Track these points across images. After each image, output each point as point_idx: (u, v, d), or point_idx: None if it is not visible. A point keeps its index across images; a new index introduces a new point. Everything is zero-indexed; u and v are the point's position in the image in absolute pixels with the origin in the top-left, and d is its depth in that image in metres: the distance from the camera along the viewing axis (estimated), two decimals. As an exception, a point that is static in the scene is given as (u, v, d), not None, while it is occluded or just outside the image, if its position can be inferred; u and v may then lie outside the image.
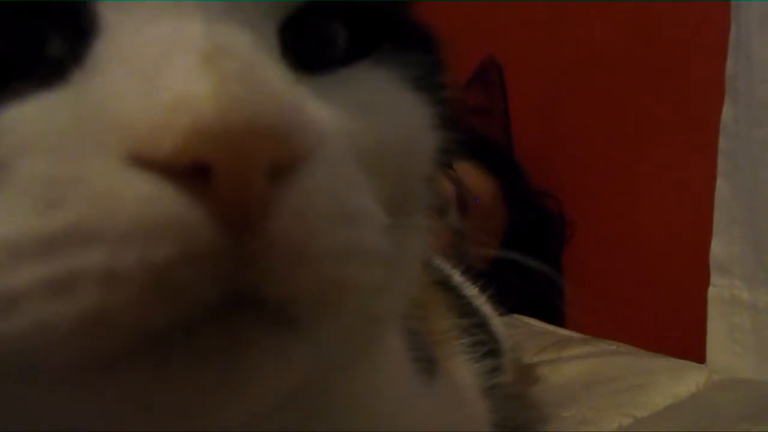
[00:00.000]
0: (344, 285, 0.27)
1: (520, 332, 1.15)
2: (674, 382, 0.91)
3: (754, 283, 1.07)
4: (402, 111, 0.34)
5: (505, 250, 0.37)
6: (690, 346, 1.10)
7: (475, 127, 1.53)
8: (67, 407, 0.26)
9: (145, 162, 0.23)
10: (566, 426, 0.79)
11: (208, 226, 0.23)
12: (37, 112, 0.25)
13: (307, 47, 0.30)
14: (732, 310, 1.09)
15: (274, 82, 0.26)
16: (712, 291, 1.12)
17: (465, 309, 0.68)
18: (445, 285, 0.64)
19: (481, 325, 0.70)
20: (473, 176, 1.38)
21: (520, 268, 0.39)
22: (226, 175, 0.23)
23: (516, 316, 1.27)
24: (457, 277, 0.76)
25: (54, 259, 0.23)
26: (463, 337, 0.61)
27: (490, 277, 0.38)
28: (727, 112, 1.12)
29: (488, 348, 0.64)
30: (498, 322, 0.80)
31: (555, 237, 1.49)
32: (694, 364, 1.01)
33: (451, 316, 0.61)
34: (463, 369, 0.59)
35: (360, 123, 0.30)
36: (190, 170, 0.23)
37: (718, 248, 1.12)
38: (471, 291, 0.78)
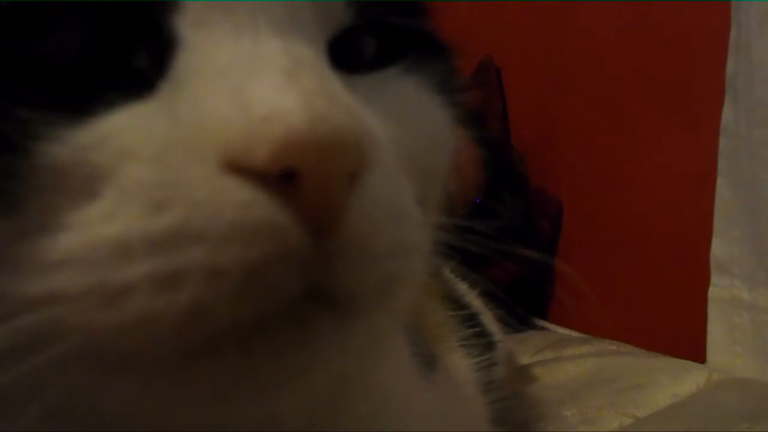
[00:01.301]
0: (397, 278, 0.30)
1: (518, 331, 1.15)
2: (674, 382, 0.90)
3: (754, 283, 1.07)
4: (430, 115, 0.37)
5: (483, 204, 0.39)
6: (690, 346, 1.10)
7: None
8: (148, 396, 0.28)
9: (240, 169, 0.26)
10: (567, 425, 0.79)
11: (295, 227, 0.26)
12: (135, 121, 0.27)
13: (342, 54, 0.33)
14: (732, 310, 1.09)
15: (344, 95, 0.28)
16: (712, 291, 1.12)
17: (457, 303, 0.68)
18: (437, 278, 0.64)
19: (473, 319, 0.70)
20: None
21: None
22: (312, 182, 0.26)
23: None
24: (447, 272, 0.76)
25: (161, 256, 0.26)
26: (458, 331, 0.61)
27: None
28: (727, 112, 1.12)
29: (482, 342, 0.65)
30: (489, 317, 0.80)
31: (547, 218, 1.50)
32: (694, 364, 1.01)
33: (445, 309, 0.61)
34: (460, 364, 0.59)
35: (396, 126, 0.32)
36: (280, 177, 0.26)
37: (718, 248, 1.12)
38: (461, 286, 0.78)
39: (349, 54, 0.34)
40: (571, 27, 1.55)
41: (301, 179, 0.26)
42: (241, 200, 0.26)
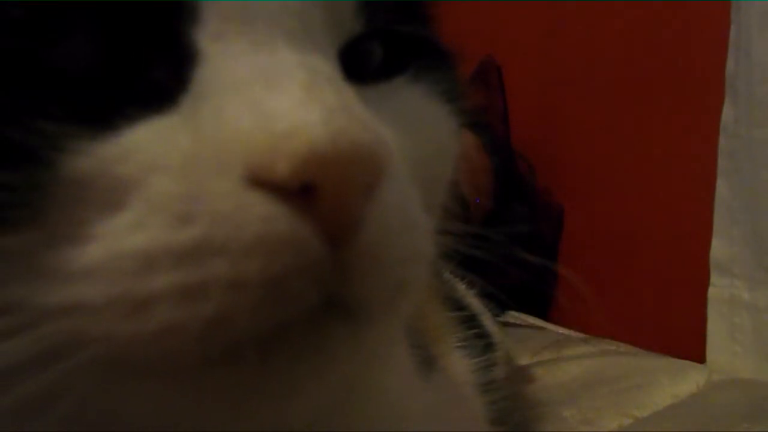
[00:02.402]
0: (407, 285, 0.31)
1: (518, 331, 1.15)
2: (674, 382, 0.91)
3: (754, 283, 1.07)
4: (436, 124, 0.38)
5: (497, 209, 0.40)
6: (690, 346, 1.10)
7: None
8: (167, 400, 0.29)
9: (262, 183, 0.26)
10: (566, 425, 0.79)
11: (314, 240, 0.27)
12: (158, 135, 0.28)
13: (350, 63, 0.33)
14: (732, 310, 1.09)
15: (359, 108, 0.29)
16: (712, 291, 1.12)
17: (457, 303, 0.68)
18: (438, 279, 0.64)
19: (472, 320, 0.71)
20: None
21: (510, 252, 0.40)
22: (330, 195, 0.27)
23: (514, 314, 1.27)
24: (447, 273, 0.76)
25: (185, 268, 0.26)
26: (458, 332, 0.61)
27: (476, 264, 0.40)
28: (727, 112, 1.12)
29: (482, 343, 0.65)
30: (488, 318, 0.80)
31: (548, 220, 1.51)
32: (694, 364, 1.01)
33: (445, 310, 0.61)
34: (459, 365, 0.59)
35: (404, 136, 0.32)
36: (300, 191, 0.26)
37: (718, 248, 1.12)
38: (460, 287, 0.79)
39: (357, 62, 0.34)
40: (571, 27, 1.55)
41: (320, 192, 0.26)
42: (263, 214, 0.26)
